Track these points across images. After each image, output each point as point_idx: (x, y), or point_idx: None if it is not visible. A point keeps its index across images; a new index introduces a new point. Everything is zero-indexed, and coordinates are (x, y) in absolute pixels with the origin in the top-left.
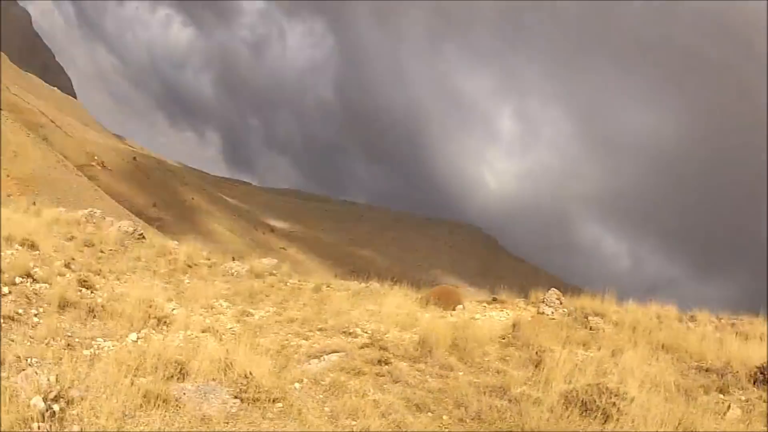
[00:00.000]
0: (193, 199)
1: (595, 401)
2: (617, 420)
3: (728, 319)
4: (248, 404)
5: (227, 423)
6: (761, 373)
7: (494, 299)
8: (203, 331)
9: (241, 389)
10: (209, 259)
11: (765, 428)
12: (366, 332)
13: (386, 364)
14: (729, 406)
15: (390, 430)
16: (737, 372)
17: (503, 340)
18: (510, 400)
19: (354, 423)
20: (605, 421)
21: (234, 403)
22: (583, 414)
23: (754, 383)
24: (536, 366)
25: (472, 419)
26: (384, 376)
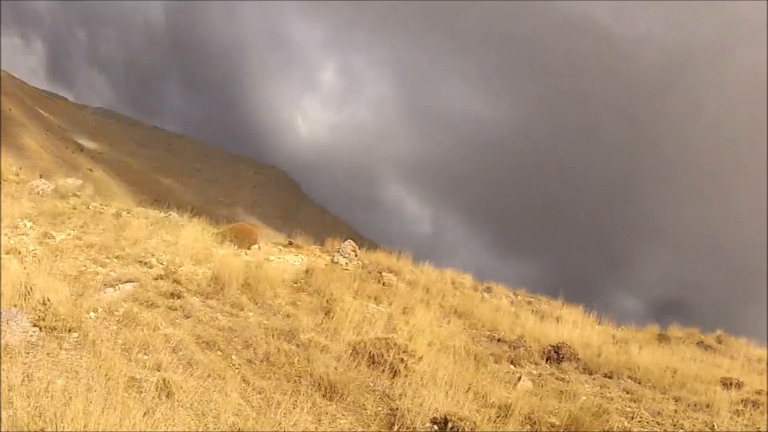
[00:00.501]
0: (10, 110)
1: (383, 355)
2: (405, 376)
3: (525, 296)
4: (46, 333)
5: (28, 354)
6: (555, 351)
7: (290, 243)
8: (7, 253)
9: (39, 317)
10: (18, 176)
11: (556, 402)
12: (161, 263)
13: (179, 297)
14: (520, 378)
15: (180, 365)
16: (530, 347)
17: (295, 285)
18: (298, 345)
19: (146, 357)
20: (393, 376)
21: (33, 332)
22: (371, 366)
23: (546, 360)
24: (326, 314)
25: (261, 361)
26: (176, 310)
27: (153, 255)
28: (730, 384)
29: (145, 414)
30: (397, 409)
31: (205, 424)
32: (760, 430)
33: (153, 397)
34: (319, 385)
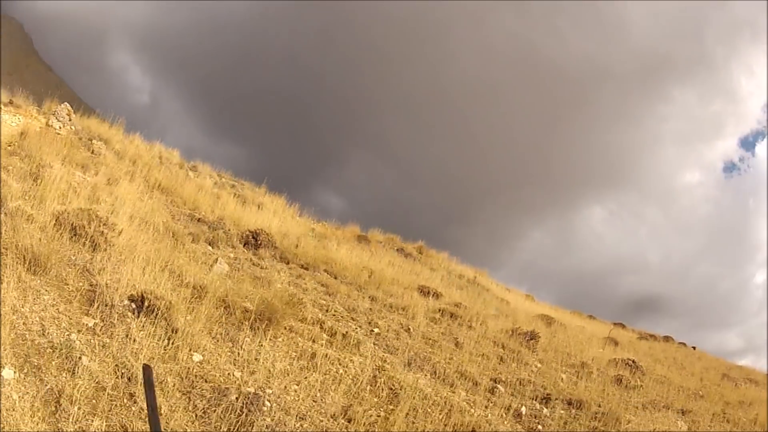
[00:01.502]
0: None
1: (84, 227)
2: (105, 250)
3: (230, 179)
4: None
5: None
6: (253, 237)
7: (11, 102)
8: None
9: None
10: None
11: (251, 288)
12: None
13: None
14: (217, 260)
15: None
16: (230, 230)
17: (9, 148)
18: (6, 214)
19: None
20: (94, 250)
21: None
22: (73, 239)
23: (244, 245)
24: (34, 180)
25: None
26: None
27: None
28: (429, 293)
29: None
30: (97, 284)
31: None
32: None
33: None
34: (24, 257)
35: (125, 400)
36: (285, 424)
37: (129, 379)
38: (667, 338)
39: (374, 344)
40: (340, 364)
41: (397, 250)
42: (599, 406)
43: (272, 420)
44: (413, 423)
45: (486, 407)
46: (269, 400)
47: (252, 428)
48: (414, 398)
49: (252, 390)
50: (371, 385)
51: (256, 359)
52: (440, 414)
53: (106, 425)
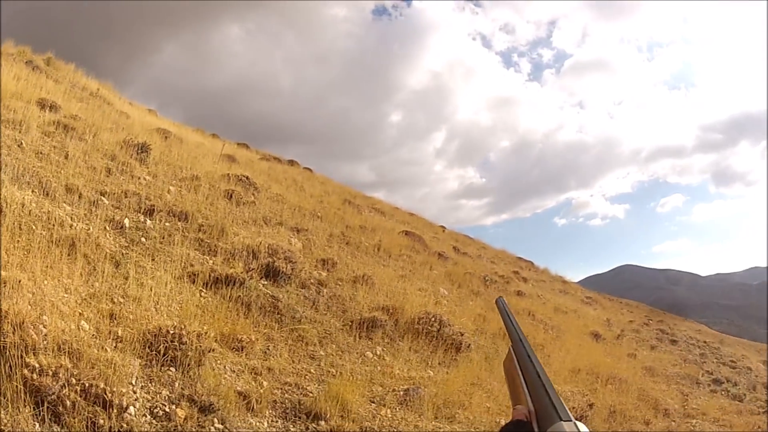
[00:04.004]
0: None
1: None
2: None
3: None
4: None
5: None
6: None
7: None
8: None
9: None
10: None
11: None
12: None
13: None
14: None
15: None
16: None
17: None
18: None
19: None
20: None
21: None
22: None
23: None
24: None
25: None
26: None
27: None
28: (47, 105)
29: None
30: None
31: None
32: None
33: None
34: None
35: None
36: None
37: None
38: (292, 162)
39: None
40: None
41: (27, 62)
42: (206, 218)
43: None
44: (18, 240)
45: (89, 220)
46: None
47: None
48: (20, 215)
49: None
50: None
51: None
52: (42, 229)
53: None
